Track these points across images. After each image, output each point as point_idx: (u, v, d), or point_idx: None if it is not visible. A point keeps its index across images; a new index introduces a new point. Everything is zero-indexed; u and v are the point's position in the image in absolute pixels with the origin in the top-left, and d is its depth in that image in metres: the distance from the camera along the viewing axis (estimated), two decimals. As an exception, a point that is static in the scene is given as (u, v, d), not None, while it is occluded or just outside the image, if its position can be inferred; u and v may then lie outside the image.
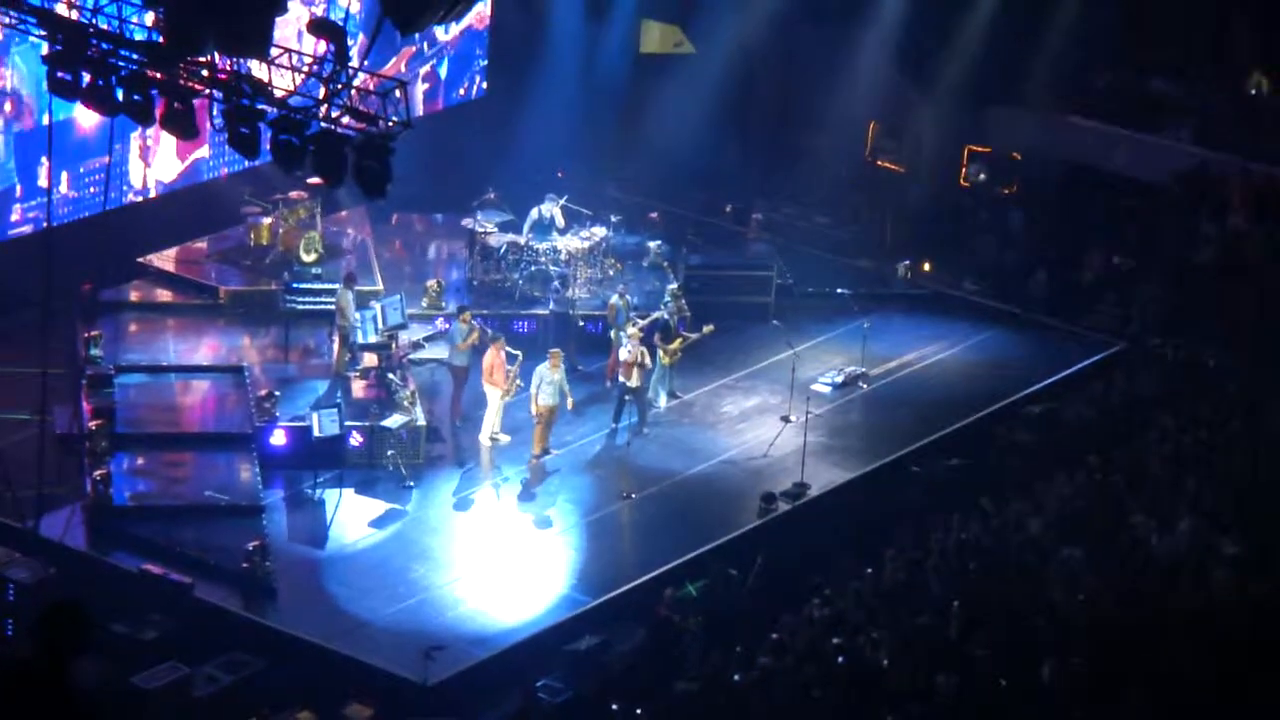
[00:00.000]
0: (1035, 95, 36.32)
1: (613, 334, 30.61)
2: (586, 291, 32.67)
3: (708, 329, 30.70)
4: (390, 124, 20.14)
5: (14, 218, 30.46)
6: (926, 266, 35.64)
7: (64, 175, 30.64)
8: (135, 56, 20.84)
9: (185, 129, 21.51)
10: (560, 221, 33.00)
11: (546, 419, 28.74)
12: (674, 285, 32.22)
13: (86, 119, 29.57)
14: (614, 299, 31.22)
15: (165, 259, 32.84)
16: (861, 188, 37.47)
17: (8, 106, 30.01)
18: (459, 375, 29.55)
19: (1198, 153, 35.39)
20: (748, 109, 38.04)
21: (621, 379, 29.59)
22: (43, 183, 29.41)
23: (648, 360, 29.50)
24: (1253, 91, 36.23)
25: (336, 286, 30.66)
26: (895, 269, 35.55)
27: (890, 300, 34.76)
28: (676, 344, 30.37)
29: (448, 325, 31.03)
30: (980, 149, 36.98)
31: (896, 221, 36.93)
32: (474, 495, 28.06)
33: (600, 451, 29.30)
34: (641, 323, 30.28)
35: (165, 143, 31.94)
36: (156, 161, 32.53)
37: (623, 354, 29.60)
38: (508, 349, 29.05)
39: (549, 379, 28.58)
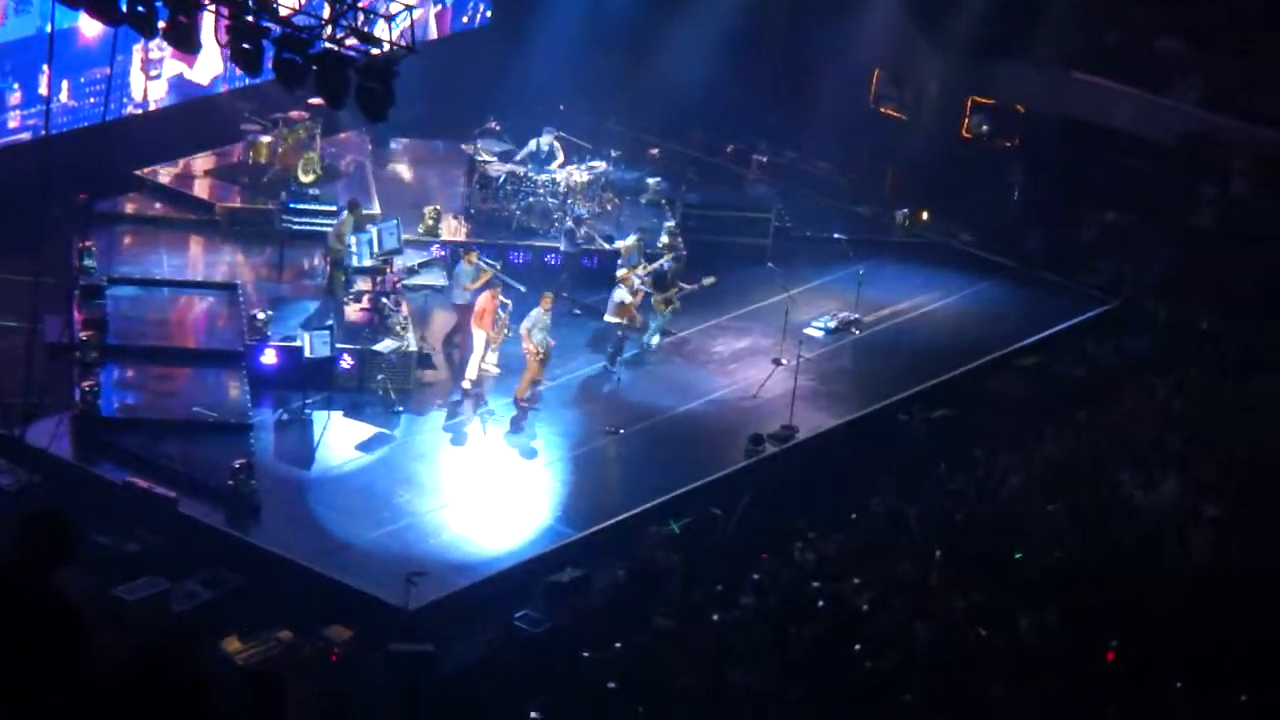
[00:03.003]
0: (1042, 49, 36.16)
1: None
2: (583, 226, 32.64)
3: (708, 281, 30.62)
4: (394, 47, 20.06)
5: (12, 124, 30.36)
6: (924, 216, 35.55)
7: (64, 84, 30.53)
8: (141, -33, 20.72)
9: (188, 43, 21.41)
10: (559, 154, 32.94)
11: (540, 360, 28.40)
12: (671, 223, 32.16)
13: (90, 28, 29.46)
14: (630, 239, 31.08)
15: (163, 173, 32.76)
16: (863, 135, 37.34)
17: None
18: (463, 315, 29.36)
19: (1203, 115, 35.27)
20: (754, 50, 37.81)
21: (613, 318, 29.47)
22: (43, 90, 29.32)
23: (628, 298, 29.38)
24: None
25: (333, 208, 30.65)
26: (893, 217, 35.50)
27: (887, 248, 34.66)
28: (671, 293, 30.26)
29: (443, 252, 31.01)
30: (984, 101, 36.89)
31: (896, 170, 36.83)
32: (462, 424, 28.05)
33: (590, 387, 29.25)
34: (641, 274, 30.04)
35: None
36: (162, 73, 32.42)
37: (617, 295, 29.47)
38: (502, 297, 28.72)
39: (542, 322, 28.29)
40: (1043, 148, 36.34)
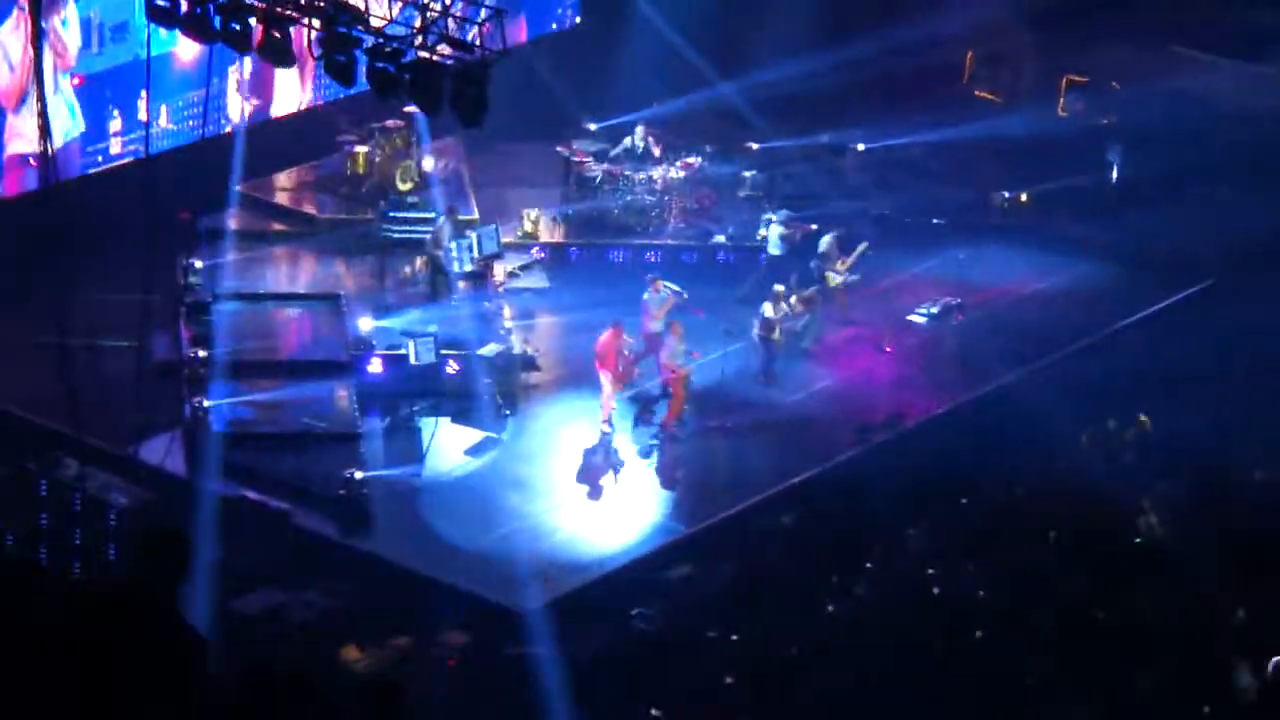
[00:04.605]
0: (1137, 24, 35.84)
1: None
2: (682, 222, 32.73)
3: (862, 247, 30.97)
4: (487, 53, 20.11)
5: (114, 150, 30.66)
6: (1024, 198, 35.32)
7: (163, 109, 30.81)
8: (233, -16, 20.88)
9: (282, 57, 21.53)
10: (655, 151, 32.98)
11: (683, 385, 27.78)
12: (772, 216, 32.20)
13: (186, 52, 29.74)
14: (826, 239, 31.27)
15: (262, 187, 33.03)
16: (960, 118, 37.09)
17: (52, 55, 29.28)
18: (653, 343, 28.63)
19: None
20: (846, 37, 37.64)
21: (761, 334, 29.30)
22: (142, 116, 29.59)
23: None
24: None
25: (432, 215, 30.83)
26: (993, 199, 35.28)
27: (987, 231, 34.45)
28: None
29: (542, 254, 31.13)
30: (1079, 79, 36.59)
31: (994, 152, 36.57)
32: (569, 424, 28.02)
33: (697, 382, 29.14)
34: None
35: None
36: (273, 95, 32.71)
37: (769, 310, 29.38)
38: (627, 335, 27.92)
39: (675, 349, 27.66)
40: (1141, 123, 35.99)
